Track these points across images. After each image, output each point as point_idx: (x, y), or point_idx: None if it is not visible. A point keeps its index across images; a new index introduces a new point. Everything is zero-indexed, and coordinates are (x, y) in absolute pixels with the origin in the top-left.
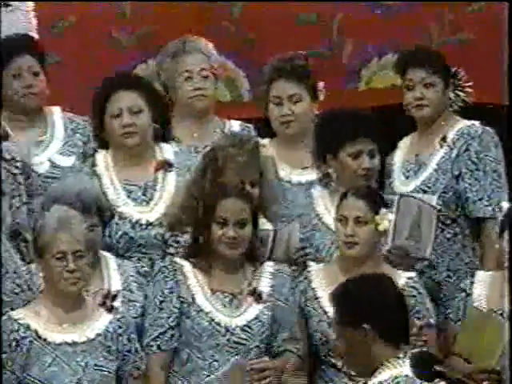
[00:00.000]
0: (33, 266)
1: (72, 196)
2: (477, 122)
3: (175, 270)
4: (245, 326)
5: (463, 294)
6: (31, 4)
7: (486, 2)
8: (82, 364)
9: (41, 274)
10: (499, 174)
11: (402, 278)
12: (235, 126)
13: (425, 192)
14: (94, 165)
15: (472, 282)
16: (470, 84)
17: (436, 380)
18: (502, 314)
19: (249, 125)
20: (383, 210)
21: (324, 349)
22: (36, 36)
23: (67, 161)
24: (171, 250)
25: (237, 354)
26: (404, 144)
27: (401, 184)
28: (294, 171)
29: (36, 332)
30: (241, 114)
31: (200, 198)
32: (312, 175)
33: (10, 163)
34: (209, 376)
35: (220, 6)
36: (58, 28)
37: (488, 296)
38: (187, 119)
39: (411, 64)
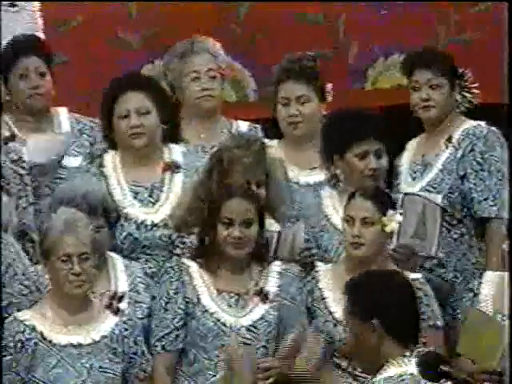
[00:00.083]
0: (39, 266)
1: (78, 197)
2: (483, 123)
3: (181, 270)
4: (250, 325)
5: (471, 295)
6: (37, 4)
7: (489, 1)
8: (87, 366)
9: (47, 276)
10: (504, 173)
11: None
12: (242, 126)
13: (430, 193)
14: (101, 165)
15: (480, 283)
16: (476, 85)
17: (442, 380)
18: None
19: (256, 125)
20: (391, 212)
21: (329, 349)
22: (42, 36)
23: (74, 161)
24: (177, 251)
25: None
26: (411, 145)
27: (407, 185)
28: (302, 172)
29: (41, 333)
30: (247, 114)
31: (206, 199)
32: (320, 176)
33: (17, 164)
34: (215, 376)
35: (226, 6)
36: (64, 28)
37: (494, 296)
38: (194, 119)
39: (417, 65)
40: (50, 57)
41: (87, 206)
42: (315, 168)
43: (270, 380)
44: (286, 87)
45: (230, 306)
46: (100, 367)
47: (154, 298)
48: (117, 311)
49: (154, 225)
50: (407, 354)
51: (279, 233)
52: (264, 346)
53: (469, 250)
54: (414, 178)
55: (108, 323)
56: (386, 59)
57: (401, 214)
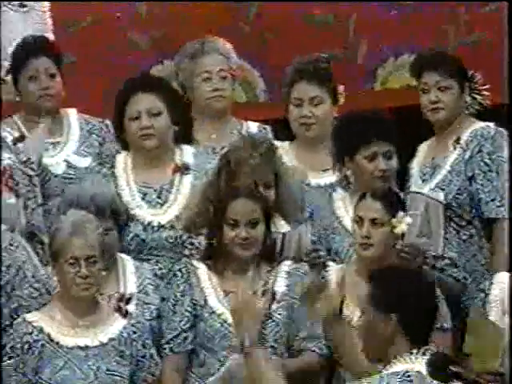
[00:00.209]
0: (49, 268)
1: (86, 199)
2: (491, 124)
3: (189, 273)
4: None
5: (482, 295)
6: (47, 4)
7: (489, 1)
8: (94, 368)
9: (55, 278)
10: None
11: None
12: (253, 127)
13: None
14: (113, 166)
15: (491, 283)
16: (486, 87)
17: (452, 381)
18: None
19: (266, 126)
20: (401, 213)
21: None
22: (52, 37)
23: (83, 161)
24: (186, 252)
25: None
26: (422, 148)
27: (417, 187)
28: (314, 174)
29: (49, 335)
30: (257, 115)
31: (215, 201)
32: (331, 178)
33: (26, 165)
34: None
35: (236, 6)
36: (74, 28)
37: (504, 298)
38: (205, 120)
39: (426, 67)
40: (59, 58)
41: (95, 208)
42: (327, 170)
43: None
44: (300, 88)
45: None
46: (107, 370)
47: (163, 299)
48: (125, 314)
49: (161, 226)
50: (414, 351)
51: (284, 234)
52: (272, 347)
53: (479, 251)
54: (423, 180)
55: (116, 326)
56: (396, 59)
57: (409, 216)
